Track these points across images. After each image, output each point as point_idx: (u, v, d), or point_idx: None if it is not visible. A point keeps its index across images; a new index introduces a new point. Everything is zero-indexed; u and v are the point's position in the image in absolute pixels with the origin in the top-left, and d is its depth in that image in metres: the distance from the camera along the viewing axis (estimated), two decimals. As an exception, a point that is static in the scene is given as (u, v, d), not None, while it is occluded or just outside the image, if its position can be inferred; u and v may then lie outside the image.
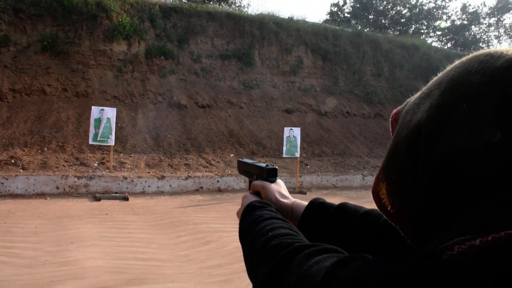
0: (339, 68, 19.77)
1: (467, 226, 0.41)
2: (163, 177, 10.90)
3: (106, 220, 7.39)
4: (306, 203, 0.95)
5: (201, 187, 11.29)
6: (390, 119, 0.61)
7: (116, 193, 10.01)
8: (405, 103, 0.59)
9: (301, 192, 11.53)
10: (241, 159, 1.23)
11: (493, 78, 0.44)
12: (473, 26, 36.01)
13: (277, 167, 1.04)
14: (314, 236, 0.78)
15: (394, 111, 0.61)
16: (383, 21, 35.82)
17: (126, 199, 9.51)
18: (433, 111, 0.47)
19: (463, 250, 0.40)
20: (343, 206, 0.89)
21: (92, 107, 10.54)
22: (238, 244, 4.04)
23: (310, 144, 15.62)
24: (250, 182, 1.10)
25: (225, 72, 17.10)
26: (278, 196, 0.96)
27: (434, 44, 31.26)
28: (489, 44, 36.33)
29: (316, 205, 0.92)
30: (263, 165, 1.04)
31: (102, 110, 10.32)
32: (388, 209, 0.56)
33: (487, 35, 36.35)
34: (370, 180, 14.06)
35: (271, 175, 1.01)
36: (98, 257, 5.23)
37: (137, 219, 7.58)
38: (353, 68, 20.04)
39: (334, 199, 0.93)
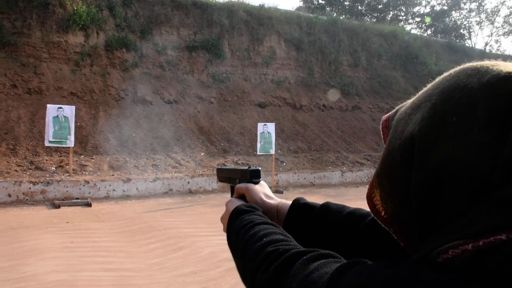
0: (314, 58, 19.99)
1: (460, 231, 0.47)
2: (128, 180, 10.80)
3: (67, 229, 7.26)
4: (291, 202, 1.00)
5: (171, 189, 11.24)
6: (380, 126, 0.68)
7: (77, 198, 9.85)
8: (395, 110, 0.65)
9: (277, 192, 11.63)
10: (220, 167, 1.30)
11: (479, 94, 0.50)
12: (453, 12, 37.02)
13: (260, 168, 1.09)
14: (299, 237, 0.82)
15: (384, 117, 0.68)
16: (359, 7, 36.41)
17: (89, 205, 9.37)
18: (424, 123, 0.53)
19: (457, 255, 0.46)
20: (326, 207, 0.95)
21: (48, 105, 10.30)
22: (212, 249, 4.07)
23: (285, 140, 15.77)
24: (232, 188, 1.15)
25: (192, 65, 17.03)
26: (263, 197, 1.02)
27: (413, 31, 32.05)
28: (470, 30, 37.47)
29: (299, 206, 0.97)
30: (245, 167, 1.10)
31: (61, 108, 10.11)
32: (382, 214, 0.62)
33: (468, 21, 37.51)
34: (349, 176, 14.32)
35: (254, 176, 1.07)
36: (60, 270, 5.14)
37: (102, 227, 7.49)
38: (328, 58, 20.31)
39: (313, 198, 0.99)
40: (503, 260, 0.43)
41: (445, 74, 0.58)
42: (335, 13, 23.75)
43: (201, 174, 12.01)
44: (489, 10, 38.08)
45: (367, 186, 0.67)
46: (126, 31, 16.03)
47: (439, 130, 0.52)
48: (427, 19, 35.65)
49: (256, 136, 12.75)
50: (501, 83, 0.49)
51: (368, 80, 21.29)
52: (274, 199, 1.03)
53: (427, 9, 37.77)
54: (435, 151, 0.51)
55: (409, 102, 0.62)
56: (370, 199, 0.65)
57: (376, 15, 36.16)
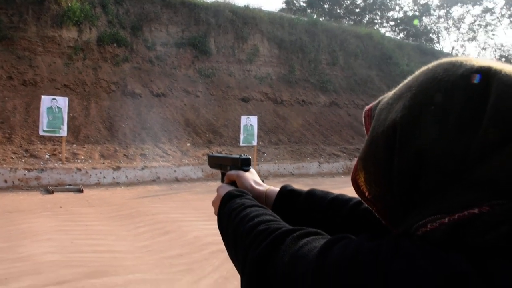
0: (295, 56, 20.03)
1: (437, 207, 0.49)
2: (118, 168, 10.75)
3: (60, 213, 7.24)
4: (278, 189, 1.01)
5: (158, 177, 11.23)
6: (363, 115, 0.68)
7: (69, 185, 9.78)
8: (377, 100, 0.67)
9: (258, 181, 11.73)
10: (211, 154, 1.28)
11: (455, 85, 0.52)
12: (424, 17, 37.44)
13: (250, 157, 1.10)
14: (286, 221, 0.80)
15: (367, 107, 0.68)
16: (338, 10, 36.55)
17: (81, 191, 9.33)
18: (406, 111, 0.55)
19: (435, 228, 0.48)
20: (312, 193, 0.96)
21: (42, 96, 10.18)
22: (197, 233, 4.19)
23: (266, 133, 15.84)
24: (223, 174, 1.15)
25: (180, 60, 16.92)
26: (253, 183, 1.03)
27: (387, 34, 32.30)
28: (439, 35, 37.97)
29: (286, 193, 0.98)
30: (237, 155, 1.10)
31: (54, 99, 10.00)
32: (366, 195, 0.63)
33: (437, 26, 37.96)
34: (326, 167, 14.49)
35: (245, 164, 1.07)
36: (54, 251, 5.14)
37: (93, 211, 7.48)
38: (308, 57, 20.37)
39: (293, 186, 1.04)
40: (477, 232, 0.45)
41: (424, 67, 0.59)
42: (315, 15, 23.79)
43: (187, 163, 12.02)
44: (455, 17, 38.56)
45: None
46: (118, 28, 15.82)
47: (419, 117, 0.53)
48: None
49: (240, 128, 12.80)
50: (473, 75, 0.52)
51: (345, 78, 21.42)
52: (263, 186, 1.03)
53: (401, 14, 38.07)
54: (415, 137, 0.53)
55: (390, 93, 0.63)
56: (354, 181, 0.65)
57: (353, 18, 36.31)
